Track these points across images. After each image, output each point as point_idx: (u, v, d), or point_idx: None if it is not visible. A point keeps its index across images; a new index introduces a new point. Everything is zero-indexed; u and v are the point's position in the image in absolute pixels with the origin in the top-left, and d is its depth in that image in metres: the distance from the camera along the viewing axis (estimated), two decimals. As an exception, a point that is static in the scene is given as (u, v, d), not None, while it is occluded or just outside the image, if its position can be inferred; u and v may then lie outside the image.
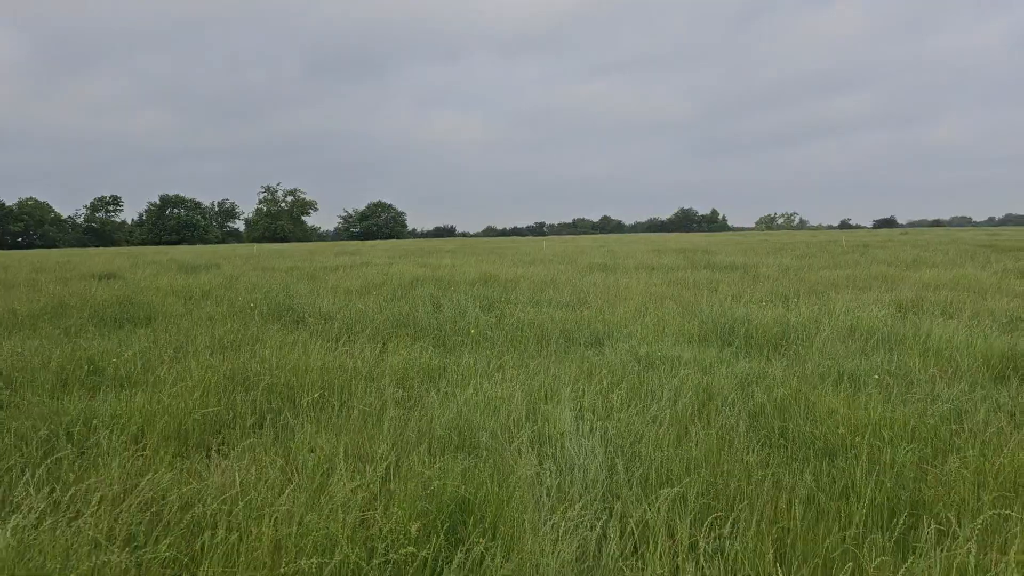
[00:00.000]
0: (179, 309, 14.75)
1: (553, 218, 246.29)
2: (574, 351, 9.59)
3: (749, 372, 8.03)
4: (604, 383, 7.38)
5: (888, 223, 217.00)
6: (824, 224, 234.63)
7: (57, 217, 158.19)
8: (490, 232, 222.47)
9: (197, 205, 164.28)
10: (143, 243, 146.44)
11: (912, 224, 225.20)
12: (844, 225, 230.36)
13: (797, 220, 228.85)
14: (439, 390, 7.12)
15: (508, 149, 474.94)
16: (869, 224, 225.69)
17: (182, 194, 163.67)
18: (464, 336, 10.20)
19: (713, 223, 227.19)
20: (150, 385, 7.43)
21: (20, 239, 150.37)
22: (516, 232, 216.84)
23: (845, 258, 31.57)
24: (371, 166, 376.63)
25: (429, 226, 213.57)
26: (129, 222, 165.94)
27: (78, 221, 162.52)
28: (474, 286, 18.81)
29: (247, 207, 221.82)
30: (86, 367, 8.19)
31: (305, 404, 6.84)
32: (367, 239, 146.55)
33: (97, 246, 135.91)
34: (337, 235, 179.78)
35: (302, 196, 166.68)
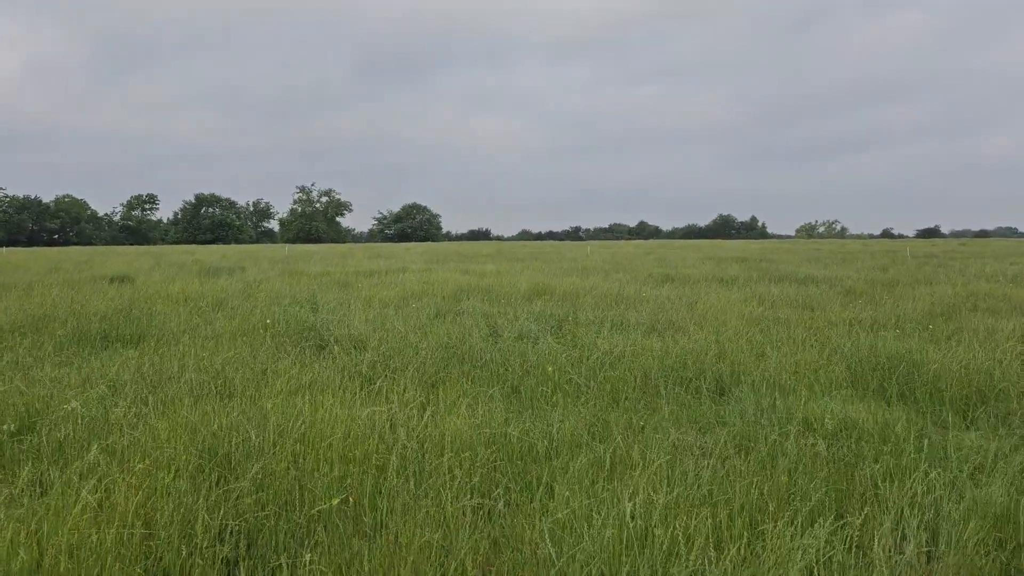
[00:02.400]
0: (182, 323, 12.31)
1: (589, 223, 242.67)
2: (697, 406, 6.93)
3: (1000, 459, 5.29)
4: (784, 479, 4.70)
5: (932, 233, 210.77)
6: (865, 233, 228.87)
7: (94, 215, 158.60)
8: (525, 236, 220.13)
9: (232, 205, 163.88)
10: (177, 242, 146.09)
11: (956, 234, 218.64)
12: (886, 234, 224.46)
13: (839, 228, 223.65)
14: (541, 504, 4.43)
15: (547, 153, 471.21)
16: (911, 234, 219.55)
17: (217, 193, 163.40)
18: (540, 379, 7.56)
19: (752, 230, 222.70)
20: (80, 472, 4.85)
21: (57, 236, 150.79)
22: (552, 236, 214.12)
23: (925, 271, 28.38)
24: (408, 168, 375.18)
25: (463, 229, 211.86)
26: (165, 221, 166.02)
27: (114, 219, 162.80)
28: (530, 300, 16.18)
29: (282, 207, 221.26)
30: (11, 426, 5.67)
31: (314, 520, 4.25)
32: (401, 241, 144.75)
33: (132, 244, 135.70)
34: (371, 237, 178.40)
35: (337, 197, 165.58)
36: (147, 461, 4.70)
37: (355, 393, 6.92)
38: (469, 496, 4.44)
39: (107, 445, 5.35)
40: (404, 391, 6.99)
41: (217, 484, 4.75)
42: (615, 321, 12.19)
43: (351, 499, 4.29)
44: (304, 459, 5.01)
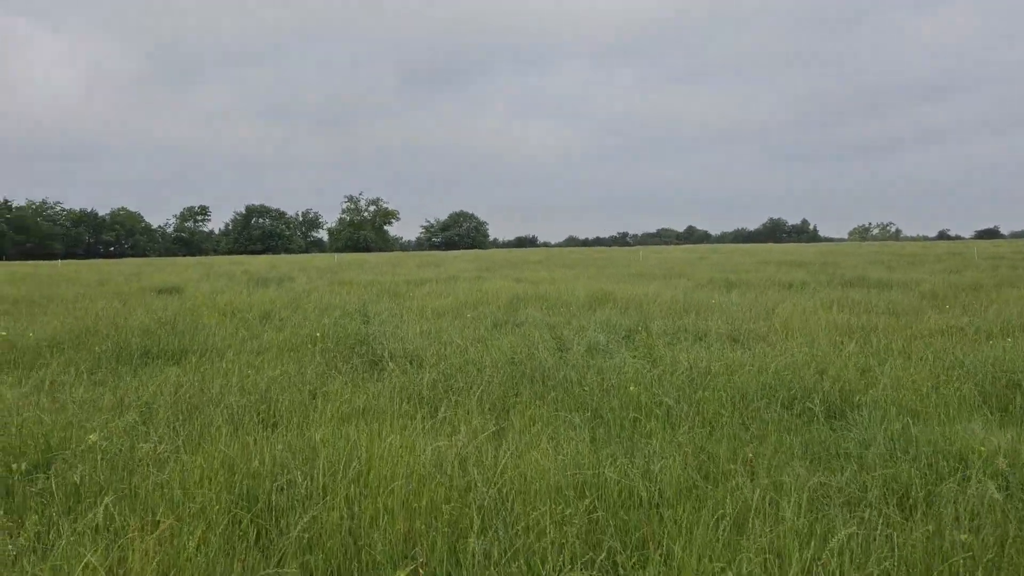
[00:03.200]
0: (227, 337, 11.63)
1: (636, 228, 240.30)
2: (808, 432, 5.92)
3: None
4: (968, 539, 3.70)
5: (991, 234, 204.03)
6: (920, 235, 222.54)
7: (148, 227, 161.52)
8: (572, 242, 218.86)
9: (282, 215, 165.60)
10: (229, 252, 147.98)
11: (1016, 234, 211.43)
12: (942, 235, 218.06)
13: (893, 230, 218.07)
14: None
15: (593, 158, 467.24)
16: (968, 235, 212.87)
17: (267, 204, 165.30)
18: (624, 400, 6.61)
19: (803, 233, 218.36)
20: (92, 526, 4.04)
21: (112, 248, 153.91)
22: (599, 242, 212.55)
23: (1004, 274, 26.66)
24: (454, 176, 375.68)
25: (510, 236, 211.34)
26: (216, 231, 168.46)
27: (167, 231, 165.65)
28: (591, 309, 15.23)
29: (331, 217, 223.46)
30: (22, 465, 4.91)
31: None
32: (448, 249, 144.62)
33: (185, 255, 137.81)
34: (419, 245, 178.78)
35: (384, 206, 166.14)
36: (172, 515, 3.88)
37: (415, 420, 6.05)
38: (569, 567, 3.51)
39: (130, 487, 4.55)
40: (470, 418, 6.10)
41: (256, 541, 3.92)
42: (690, 331, 11.18)
43: (420, 571, 3.40)
44: (360, 506, 4.15)
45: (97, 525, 3.93)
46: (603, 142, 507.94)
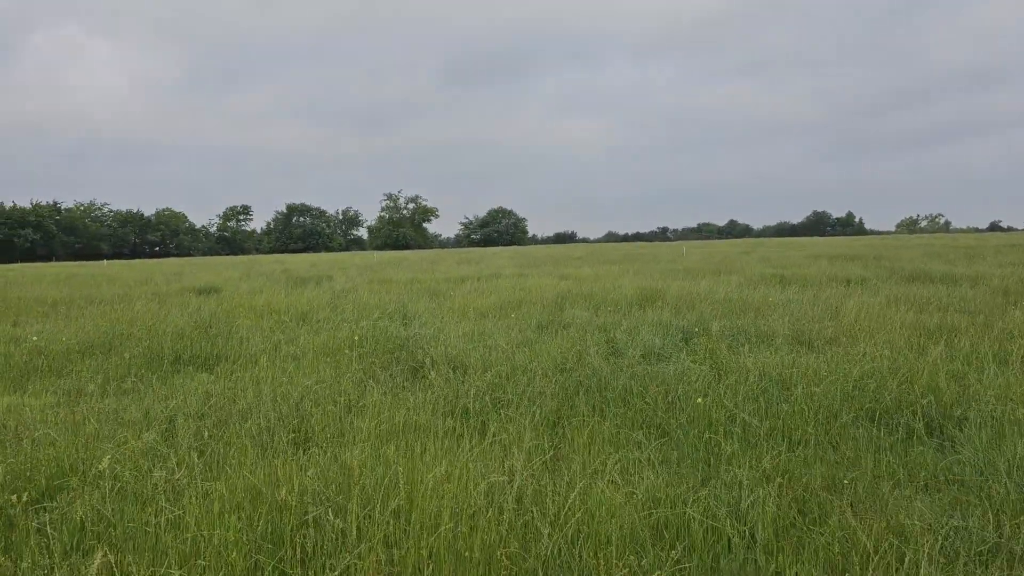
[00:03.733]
0: (263, 340, 11.15)
1: (676, 223, 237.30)
2: (906, 453, 5.18)
3: None
4: None
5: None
6: (970, 227, 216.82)
7: (191, 227, 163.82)
8: (612, 238, 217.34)
9: (322, 213, 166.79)
10: (271, 251, 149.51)
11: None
12: (994, 227, 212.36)
13: (943, 222, 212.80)
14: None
15: (634, 153, 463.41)
16: (1022, 227, 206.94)
17: (308, 203, 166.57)
18: (692, 416, 5.92)
19: (848, 226, 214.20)
20: None
21: (157, 248, 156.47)
22: (639, 237, 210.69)
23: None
24: (495, 173, 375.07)
25: (549, 232, 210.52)
26: (258, 231, 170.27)
27: (211, 230, 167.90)
28: (640, 308, 14.51)
29: (371, 215, 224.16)
30: (23, 496, 4.37)
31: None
32: (487, 246, 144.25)
33: (227, 254, 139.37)
34: (457, 242, 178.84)
35: (423, 203, 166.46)
36: (181, 567, 3.30)
37: (462, 440, 5.43)
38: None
39: (140, 524, 3.99)
40: (523, 435, 5.46)
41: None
42: (751, 332, 10.42)
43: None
44: (400, 551, 3.54)
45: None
46: (643, 137, 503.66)
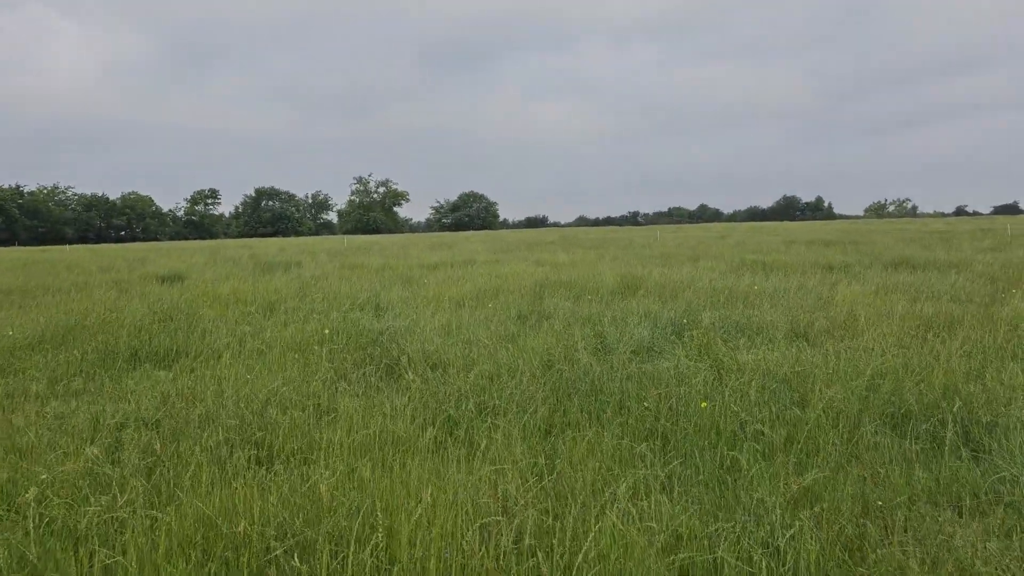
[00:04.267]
0: (227, 333, 10.46)
1: (647, 207, 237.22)
2: (939, 466, 4.69)
3: None
4: None
5: (1010, 209, 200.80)
6: (937, 211, 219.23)
7: (158, 211, 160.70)
8: (583, 222, 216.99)
9: (291, 197, 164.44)
10: (240, 235, 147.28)
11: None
12: (960, 212, 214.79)
13: (910, 206, 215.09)
14: None
15: (607, 138, 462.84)
16: (986, 211, 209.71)
17: (277, 187, 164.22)
18: (696, 420, 5.39)
19: (818, 211, 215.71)
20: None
21: (123, 232, 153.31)
22: (610, 222, 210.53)
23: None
24: (467, 157, 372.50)
25: (520, 216, 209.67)
26: (227, 215, 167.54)
27: (178, 214, 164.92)
28: (623, 297, 13.99)
29: (340, 199, 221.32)
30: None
31: None
32: (458, 230, 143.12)
33: (196, 239, 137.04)
34: (428, 226, 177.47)
35: (394, 187, 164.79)
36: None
37: (446, 453, 4.84)
38: None
39: (71, 568, 3.36)
40: (513, 448, 4.89)
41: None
42: (744, 324, 9.93)
43: None
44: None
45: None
46: (614, 122, 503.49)
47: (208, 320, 12.02)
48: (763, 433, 5.12)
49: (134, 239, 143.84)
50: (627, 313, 11.18)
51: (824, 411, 5.45)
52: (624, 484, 4.25)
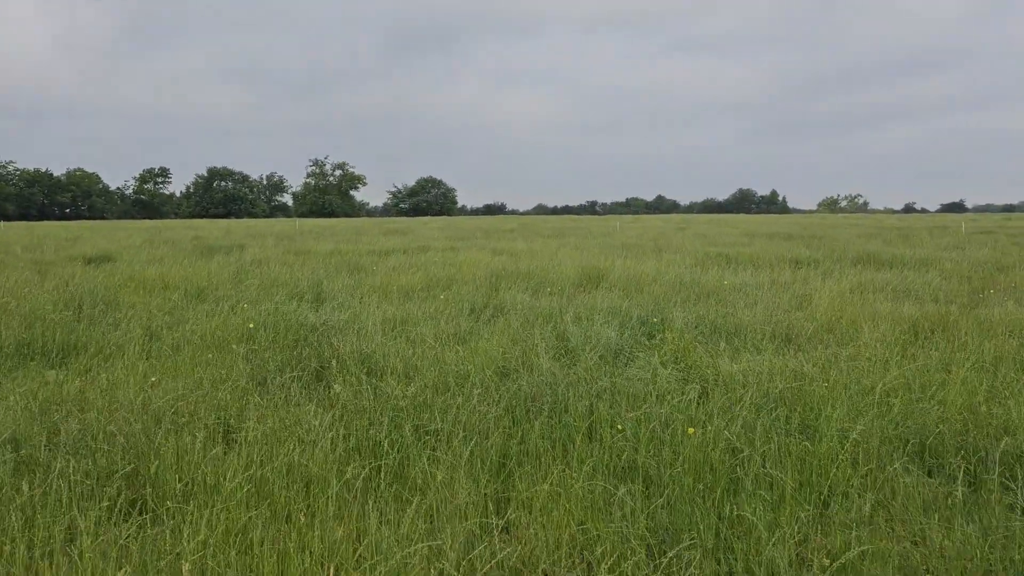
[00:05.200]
0: (141, 326, 9.21)
1: (604, 197, 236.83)
2: (988, 514, 3.74)
3: None
4: None
5: (956, 207, 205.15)
6: (887, 207, 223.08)
7: (105, 188, 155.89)
8: (541, 210, 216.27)
9: (245, 178, 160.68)
10: (191, 216, 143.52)
11: (979, 208, 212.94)
12: (908, 209, 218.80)
13: (861, 202, 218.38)
14: None
15: (569, 127, 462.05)
16: (934, 208, 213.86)
17: (230, 167, 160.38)
18: (679, 449, 4.37)
19: (772, 204, 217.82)
20: None
21: (68, 210, 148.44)
22: (568, 211, 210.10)
23: (1015, 249, 24.87)
24: (429, 143, 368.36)
25: (478, 203, 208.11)
26: (178, 194, 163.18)
27: (126, 193, 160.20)
28: (584, 289, 13.00)
29: (297, 181, 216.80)
30: None
31: None
32: (416, 215, 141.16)
33: (144, 218, 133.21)
34: (385, 211, 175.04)
35: (351, 170, 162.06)
36: None
37: (375, 493, 3.76)
38: None
39: None
40: (456, 490, 3.82)
41: None
42: (720, 325, 8.99)
43: None
44: None
45: None
46: (576, 111, 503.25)
47: (125, 308, 10.74)
48: (768, 474, 4.12)
49: (79, 217, 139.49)
50: (591, 309, 10.17)
51: (835, 440, 4.48)
52: (601, 548, 3.22)
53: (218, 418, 5.28)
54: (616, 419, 4.93)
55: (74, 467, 4.25)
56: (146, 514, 3.71)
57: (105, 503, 3.69)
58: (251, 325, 8.32)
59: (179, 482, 3.96)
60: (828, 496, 4.05)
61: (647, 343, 7.94)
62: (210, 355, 7.24)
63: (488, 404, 5.25)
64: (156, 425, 5.20)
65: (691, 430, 4.63)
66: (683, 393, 5.54)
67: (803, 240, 31.34)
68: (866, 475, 4.22)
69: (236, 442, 4.69)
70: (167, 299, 11.76)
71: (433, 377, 6.09)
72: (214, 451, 4.37)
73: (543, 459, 4.39)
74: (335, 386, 5.76)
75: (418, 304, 11.14)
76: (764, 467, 4.25)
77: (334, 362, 6.56)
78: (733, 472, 4.21)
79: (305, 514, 3.51)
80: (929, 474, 4.40)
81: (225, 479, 3.87)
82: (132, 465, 4.21)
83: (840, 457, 4.24)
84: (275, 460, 4.20)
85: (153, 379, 6.66)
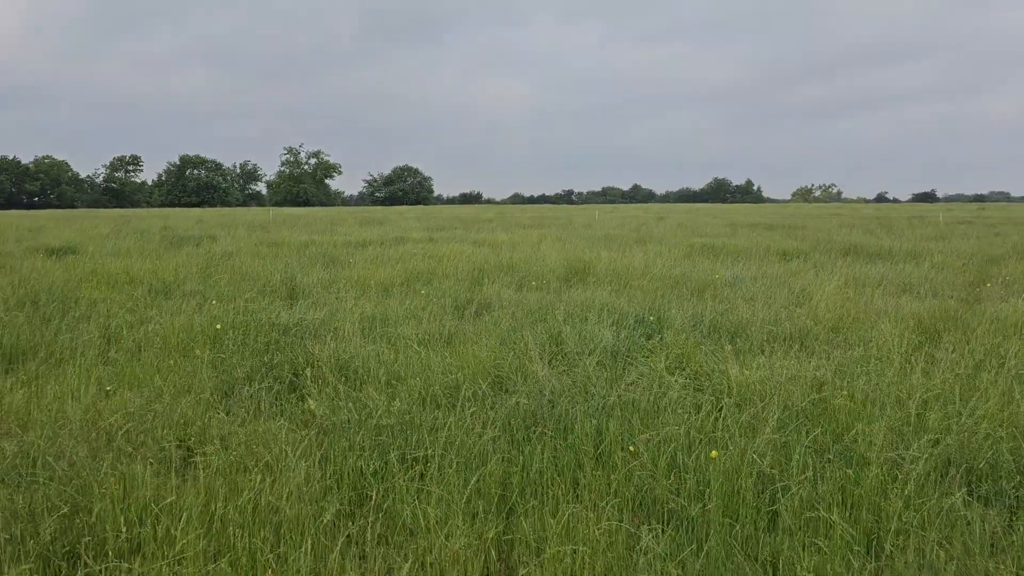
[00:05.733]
0: (99, 326, 8.53)
1: (581, 186, 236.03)
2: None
3: None
4: None
5: (927, 197, 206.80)
6: (860, 197, 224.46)
7: (75, 176, 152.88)
8: (518, 199, 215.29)
9: (218, 167, 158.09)
10: (163, 204, 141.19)
11: (949, 198, 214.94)
12: (881, 199, 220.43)
13: (835, 192, 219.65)
14: None
15: (547, 115, 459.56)
16: (906, 198, 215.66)
17: (205, 155, 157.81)
18: (704, 477, 3.83)
19: (747, 194, 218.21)
20: None
21: (37, 199, 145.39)
22: (544, 200, 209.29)
23: (997, 240, 24.66)
24: (407, 130, 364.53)
25: (455, 192, 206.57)
26: (150, 183, 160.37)
27: (97, 181, 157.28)
28: (570, 284, 12.46)
29: (271, 169, 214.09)
30: None
31: None
32: (392, 204, 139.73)
33: (116, 207, 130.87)
34: (361, 200, 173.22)
35: (326, 159, 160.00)
36: None
37: (361, 533, 3.17)
38: None
39: None
40: (455, 540, 3.25)
41: None
42: (719, 324, 8.47)
43: None
44: None
45: None
46: (553, 99, 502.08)
47: (84, 305, 10.04)
48: (817, 514, 3.56)
49: (48, 206, 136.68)
50: (583, 306, 9.63)
51: (882, 468, 3.95)
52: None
53: (177, 438, 4.67)
54: (628, 440, 4.38)
55: (4, 503, 3.63)
56: (80, 570, 3.09)
57: (27, 565, 3.06)
58: (218, 326, 7.67)
59: (124, 528, 3.34)
60: (879, 532, 3.53)
61: (646, 344, 7.40)
62: (172, 361, 6.59)
63: (483, 422, 4.66)
64: (107, 446, 4.59)
65: (714, 453, 4.09)
66: (697, 407, 5.00)
67: (786, 230, 31.02)
68: (919, 507, 3.69)
69: (196, 466, 4.08)
70: (131, 295, 11.06)
71: (419, 388, 5.50)
72: (170, 483, 3.75)
73: (549, 490, 3.83)
74: (310, 401, 5.15)
75: (398, 300, 10.53)
76: (800, 496, 3.72)
77: (308, 371, 5.94)
78: (768, 503, 3.68)
79: (274, 571, 2.93)
80: (986, 503, 3.89)
81: (179, 526, 3.26)
82: (68, 507, 3.58)
83: (890, 489, 3.71)
84: (241, 495, 3.60)
85: (108, 388, 6.03)
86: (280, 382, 5.99)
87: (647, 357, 6.65)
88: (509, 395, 5.31)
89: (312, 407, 4.91)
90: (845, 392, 5.25)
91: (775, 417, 4.56)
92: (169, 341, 7.55)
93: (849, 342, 7.54)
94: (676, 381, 5.76)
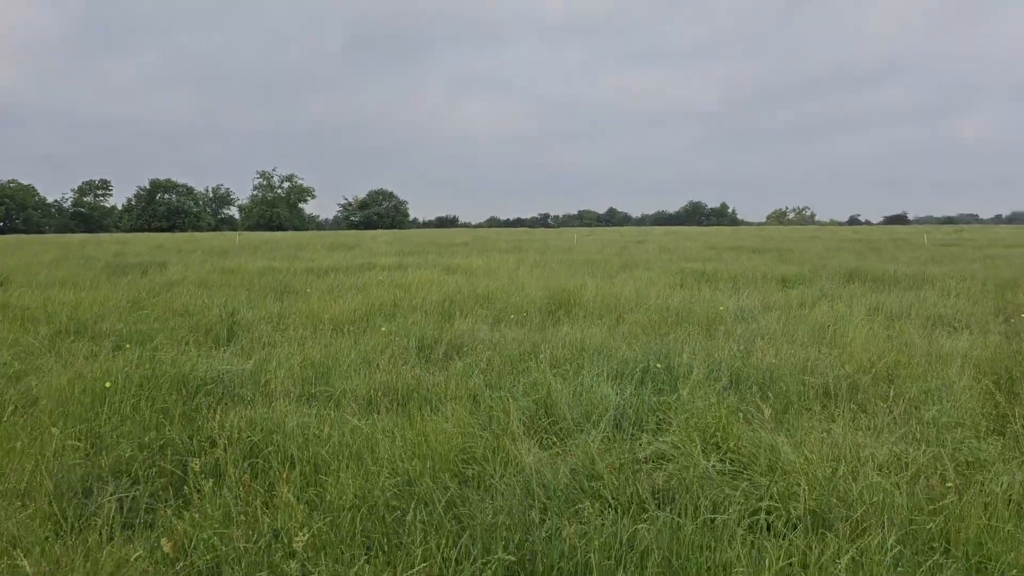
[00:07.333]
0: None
1: (557, 209, 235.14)
2: None
3: None
4: None
5: (899, 220, 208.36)
6: (833, 219, 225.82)
7: (42, 201, 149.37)
8: (494, 223, 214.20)
9: (190, 191, 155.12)
10: (132, 229, 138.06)
11: (920, 220, 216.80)
12: (853, 221, 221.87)
13: (809, 214, 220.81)
14: None
15: (523, 139, 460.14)
16: (878, 220, 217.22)
17: (177, 179, 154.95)
18: None
19: (723, 216, 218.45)
20: None
21: (2, 224, 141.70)
22: (520, 223, 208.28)
23: (1000, 263, 23.44)
24: (382, 154, 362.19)
25: (431, 216, 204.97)
26: (119, 207, 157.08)
27: (64, 205, 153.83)
28: (555, 318, 10.84)
29: (245, 193, 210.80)
30: None
31: None
32: (367, 229, 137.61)
33: (84, 232, 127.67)
34: (336, 224, 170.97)
35: (299, 182, 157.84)
36: None
37: None
38: None
39: None
40: None
41: None
42: (741, 372, 6.88)
43: None
44: None
45: None
46: (528, 123, 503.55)
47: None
48: None
49: (14, 231, 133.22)
50: (572, 349, 8.02)
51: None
52: None
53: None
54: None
55: None
56: None
57: None
58: (108, 384, 5.94)
59: None
60: None
61: (656, 403, 5.80)
62: (19, 441, 4.86)
63: (445, 561, 3.01)
64: None
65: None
66: (759, 524, 3.37)
67: (771, 254, 29.69)
68: None
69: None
70: (36, 335, 9.29)
71: (355, 488, 3.84)
72: None
73: None
74: (195, 512, 3.45)
75: (352, 341, 8.85)
76: None
77: (196, 462, 4.22)
78: None
79: None
80: None
81: None
82: None
83: None
84: None
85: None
86: (163, 477, 4.29)
87: (662, 424, 5.03)
88: (484, 498, 3.66)
89: (167, 549, 3.21)
90: (978, 494, 3.65)
91: (891, 551, 2.95)
92: (45, 406, 5.82)
93: (915, 399, 5.97)
94: (712, 466, 4.16)
